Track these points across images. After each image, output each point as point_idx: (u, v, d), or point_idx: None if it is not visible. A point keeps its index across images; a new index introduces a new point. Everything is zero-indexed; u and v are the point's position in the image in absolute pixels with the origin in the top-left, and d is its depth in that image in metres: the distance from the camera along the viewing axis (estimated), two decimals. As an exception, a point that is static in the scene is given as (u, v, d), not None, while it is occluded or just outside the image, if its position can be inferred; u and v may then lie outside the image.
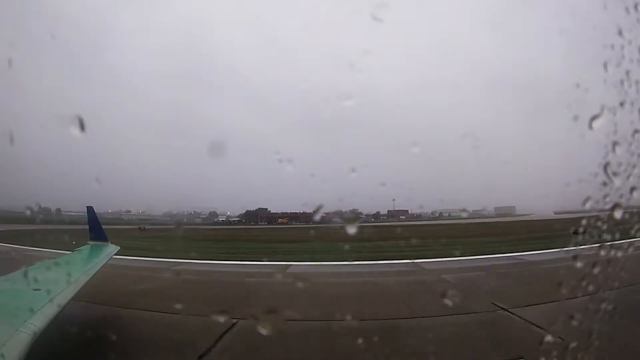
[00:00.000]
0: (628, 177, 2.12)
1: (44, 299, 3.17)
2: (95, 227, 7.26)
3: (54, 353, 3.31)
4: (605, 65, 2.29)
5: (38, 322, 2.72)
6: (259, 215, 61.92)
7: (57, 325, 2.97)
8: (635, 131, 2.17)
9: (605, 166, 2.10)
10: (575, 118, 2.33)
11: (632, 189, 2.13)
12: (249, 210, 62.24)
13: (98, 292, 5.68)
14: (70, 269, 4.65)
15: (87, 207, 7.56)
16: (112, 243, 7.08)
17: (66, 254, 6.67)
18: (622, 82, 2.21)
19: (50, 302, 3.15)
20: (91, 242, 6.97)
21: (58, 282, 3.81)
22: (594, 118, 2.28)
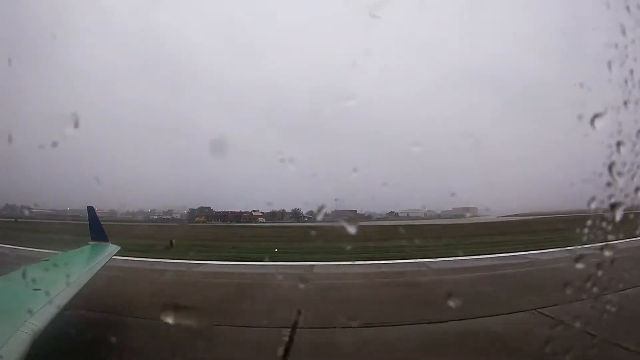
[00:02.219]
0: (633, 177, 2.09)
1: (44, 298, 3.14)
2: (95, 227, 7.23)
3: (54, 353, 3.29)
4: (609, 65, 2.27)
5: (38, 322, 2.70)
6: (195, 214, 62.27)
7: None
8: (640, 131, 2.15)
9: (611, 166, 2.08)
10: (580, 117, 2.32)
11: (637, 189, 2.10)
12: (192, 209, 62.41)
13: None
14: (70, 269, 4.63)
15: (87, 207, 7.54)
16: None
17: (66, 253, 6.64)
18: (625, 81, 2.19)
19: (51, 302, 3.13)
20: (91, 242, 6.95)
21: (58, 282, 3.78)
22: (595, 117, 2.26)
